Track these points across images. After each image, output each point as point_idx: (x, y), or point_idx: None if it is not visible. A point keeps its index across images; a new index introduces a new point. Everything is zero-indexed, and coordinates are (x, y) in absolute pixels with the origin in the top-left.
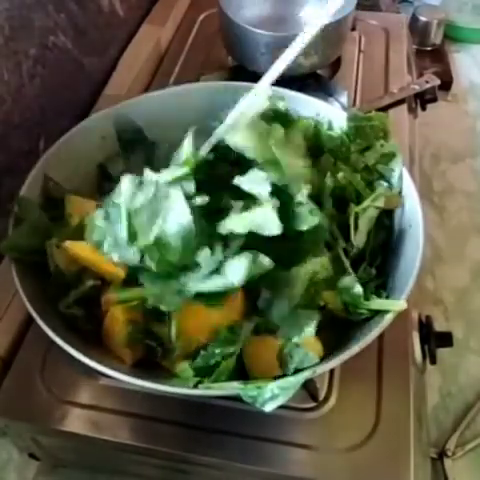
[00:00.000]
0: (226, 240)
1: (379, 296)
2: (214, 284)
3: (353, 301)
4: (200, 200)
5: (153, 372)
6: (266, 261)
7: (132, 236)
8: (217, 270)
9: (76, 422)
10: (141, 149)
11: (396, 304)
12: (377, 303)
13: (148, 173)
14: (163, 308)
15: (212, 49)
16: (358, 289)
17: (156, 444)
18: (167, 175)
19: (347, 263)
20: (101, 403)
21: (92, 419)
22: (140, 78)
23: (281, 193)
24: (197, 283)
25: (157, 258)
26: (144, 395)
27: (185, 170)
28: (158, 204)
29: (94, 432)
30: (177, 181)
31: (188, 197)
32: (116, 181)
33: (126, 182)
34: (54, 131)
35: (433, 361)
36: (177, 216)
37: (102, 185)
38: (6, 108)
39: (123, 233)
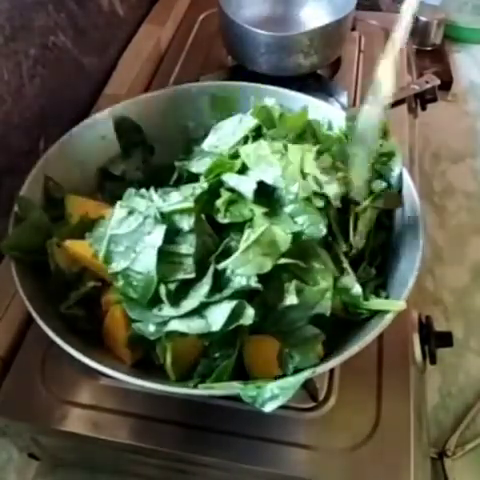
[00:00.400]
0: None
1: (378, 296)
2: (193, 326)
3: (352, 301)
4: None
5: (153, 372)
6: (249, 314)
7: (105, 260)
8: (198, 311)
9: (76, 422)
10: (140, 150)
11: (396, 304)
12: (376, 303)
13: (147, 201)
14: (149, 336)
15: (212, 49)
16: (357, 289)
17: (156, 444)
18: (171, 203)
19: (346, 263)
20: (101, 403)
21: (92, 419)
22: (140, 78)
23: (270, 192)
24: (176, 321)
25: (122, 288)
26: (144, 395)
27: (187, 204)
28: (139, 237)
29: (94, 432)
30: (177, 213)
31: (182, 232)
32: (118, 180)
33: (118, 207)
34: (54, 131)
35: (433, 361)
36: (146, 258)
37: (103, 185)
38: (6, 108)
39: (101, 255)
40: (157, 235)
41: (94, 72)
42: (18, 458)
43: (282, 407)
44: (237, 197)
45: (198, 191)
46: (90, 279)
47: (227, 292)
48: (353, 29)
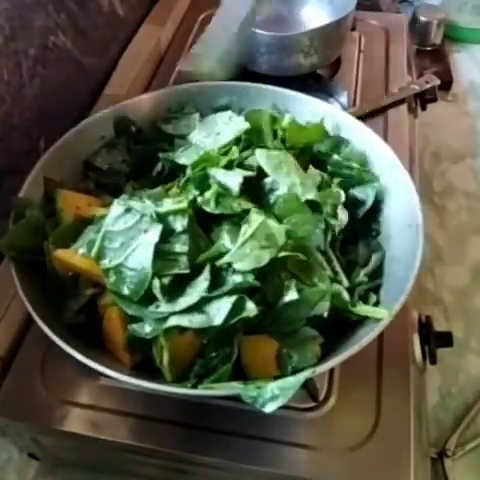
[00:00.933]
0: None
1: (367, 301)
2: (194, 320)
3: (342, 306)
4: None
5: (154, 374)
6: (251, 307)
7: (96, 257)
8: (197, 307)
9: (76, 422)
10: (124, 139)
11: (378, 312)
12: (362, 310)
13: (144, 202)
14: (145, 336)
15: None
16: (345, 295)
17: (156, 444)
18: (165, 206)
19: (339, 267)
20: (101, 403)
21: (92, 419)
22: (140, 78)
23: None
24: (176, 316)
25: (114, 284)
26: (144, 395)
27: (181, 205)
28: (135, 234)
29: (94, 432)
30: (171, 214)
31: (175, 232)
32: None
33: (115, 205)
34: (54, 131)
35: (433, 361)
36: (141, 254)
37: (87, 175)
38: (6, 108)
39: (94, 251)
40: (153, 233)
41: (94, 72)
42: (18, 458)
43: (282, 407)
44: (224, 192)
45: (183, 181)
46: (86, 282)
47: (227, 287)
48: (353, 29)
